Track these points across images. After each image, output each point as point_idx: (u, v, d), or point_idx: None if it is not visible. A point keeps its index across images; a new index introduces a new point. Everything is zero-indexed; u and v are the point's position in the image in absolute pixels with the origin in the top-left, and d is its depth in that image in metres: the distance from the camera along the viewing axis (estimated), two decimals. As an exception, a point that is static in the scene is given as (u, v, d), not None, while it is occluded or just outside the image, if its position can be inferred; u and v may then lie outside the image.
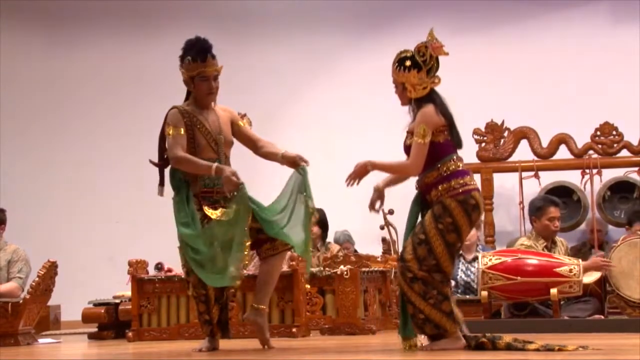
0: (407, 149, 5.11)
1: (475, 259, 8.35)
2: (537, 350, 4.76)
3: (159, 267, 7.63)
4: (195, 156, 5.50)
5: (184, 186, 5.53)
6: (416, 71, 5.05)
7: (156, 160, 5.74)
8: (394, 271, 7.63)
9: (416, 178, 5.17)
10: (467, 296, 8.14)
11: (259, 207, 5.53)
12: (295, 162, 5.59)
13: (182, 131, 5.49)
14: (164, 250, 8.16)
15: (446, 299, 5.00)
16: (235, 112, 5.82)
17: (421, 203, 5.14)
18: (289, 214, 5.53)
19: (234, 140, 5.74)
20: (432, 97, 5.10)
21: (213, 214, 5.50)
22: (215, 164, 5.43)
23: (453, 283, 8.29)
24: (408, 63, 5.06)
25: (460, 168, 5.11)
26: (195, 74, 5.56)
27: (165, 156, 5.66)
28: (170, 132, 5.50)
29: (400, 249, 5.16)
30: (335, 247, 8.66)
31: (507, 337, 4.94)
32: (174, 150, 5.48)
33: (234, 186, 5.41)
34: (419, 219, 5.12)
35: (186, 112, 5.55)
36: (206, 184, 5.53)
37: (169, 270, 7.61)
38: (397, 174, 5.22)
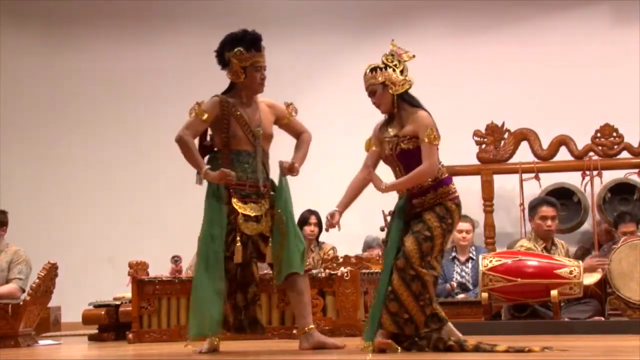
0: (404, 153, 5.12)
1: (469, 259, 8.39)
2: (507, 351, 4.78)
3: (175, 259, 7.56)
4: (229, 147, 5.52)
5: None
6: (392, 70, 5.17)
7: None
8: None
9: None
10: (465, 295, 8.15)
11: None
12: (281, 169, 5.62)
13: (205, 117, 5.51)
14: (164, 252, 8.19)
15: (431, 303, 5.06)
16: (282, 106, 5.82)
17: (406, 210, 5.16)
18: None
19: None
20: (419, 103, 5.18)
21: (241, 207, 5.50)
22: (206, 169, 5.42)
23: (451, 285, 8.34)
24: (382, 65, 5.20)
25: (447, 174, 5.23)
26: (249, 63, 5.59)
27: (204, 144, 5.66)
28: (194, 113, 5.53)
29: (390, 251, 5.11)
30: (327, 247, 8.67)
31: (472, 340, 4.96)
32: (185, 129, 5.52)
33: (228, 177, 5.42)
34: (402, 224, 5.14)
35: (226, 102, 5.57)
36: (239, 176, 5.52)
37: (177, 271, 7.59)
38: (415, 183, 5.13)
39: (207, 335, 5.56)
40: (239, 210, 5.50)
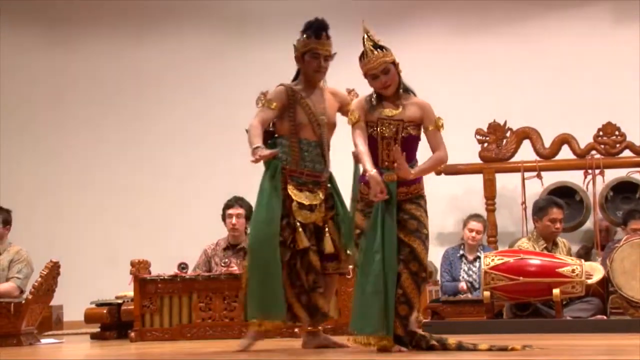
0: (408, 139, 5.03)
1: (477, 258, 8.38)
2: (489, 350, 4.78)
3: (182, 266, 7.56)
4: (295, 135, 5.51)
5: (275, 161, 5.48)
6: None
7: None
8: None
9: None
10: (469, 295, 8.15)
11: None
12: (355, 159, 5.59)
13: (274, 106, 5.52)
14: (165, 251, 8.18)
15: None
16: (345, 94, 5.80)
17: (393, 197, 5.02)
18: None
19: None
20: (412, 89, 5.13)
21: (296, 195, 5.47)
22: (257, 146, 5.33)
23: (460, 284, 8.33)
24: (382, 43, 5.10)
25: None
26: (307, 49, 5.62)
27: (267, 129, 5.64)
28: (261, 104, 5.56)
29: (389, 243, 4.96)
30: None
31: (452, 339, 4.96)
32: (255, 117, 5.51)
33: (261, 155, 5.33)
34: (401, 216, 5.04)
35: (291, 90, 5.58)
36: (297, 163, 5.51)
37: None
38: (435, 169, 5.20)
39: (271, 319, 5.43)
40: (294, 198, 5.47)
